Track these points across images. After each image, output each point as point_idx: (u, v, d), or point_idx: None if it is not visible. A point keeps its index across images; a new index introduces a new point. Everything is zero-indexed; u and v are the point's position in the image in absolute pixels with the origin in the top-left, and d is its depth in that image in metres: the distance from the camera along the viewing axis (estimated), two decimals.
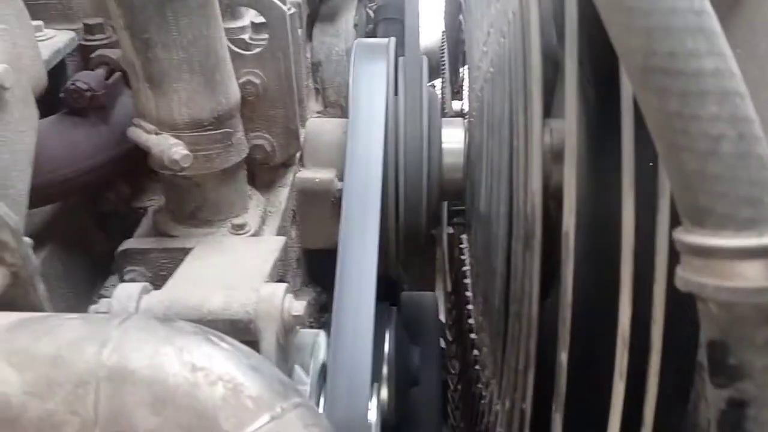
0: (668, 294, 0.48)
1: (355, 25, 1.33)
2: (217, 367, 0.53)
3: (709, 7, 0.37)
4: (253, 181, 1.06)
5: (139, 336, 0.55)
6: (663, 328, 0.48)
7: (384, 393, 1.04)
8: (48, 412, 0.52)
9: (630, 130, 0.48)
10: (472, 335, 0.92)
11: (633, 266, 0.47)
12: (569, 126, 0.49)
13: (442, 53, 1.82)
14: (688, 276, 0.39)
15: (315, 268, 1.25)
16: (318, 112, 1.27)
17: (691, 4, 0.37)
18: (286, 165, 1.11)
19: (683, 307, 0.45)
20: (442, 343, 1.46)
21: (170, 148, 0.83)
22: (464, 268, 1.09)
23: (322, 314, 1.30)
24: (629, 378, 0.51)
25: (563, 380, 0.51)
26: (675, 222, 0.42)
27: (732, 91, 0.37)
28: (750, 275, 0.37)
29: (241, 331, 0.74)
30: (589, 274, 0.56)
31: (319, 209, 1.14)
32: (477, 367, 0.88)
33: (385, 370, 1.07)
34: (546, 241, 0.60)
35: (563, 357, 0.51)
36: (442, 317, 1.55)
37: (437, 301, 1.50)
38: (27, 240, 0.62)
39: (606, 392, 0.51)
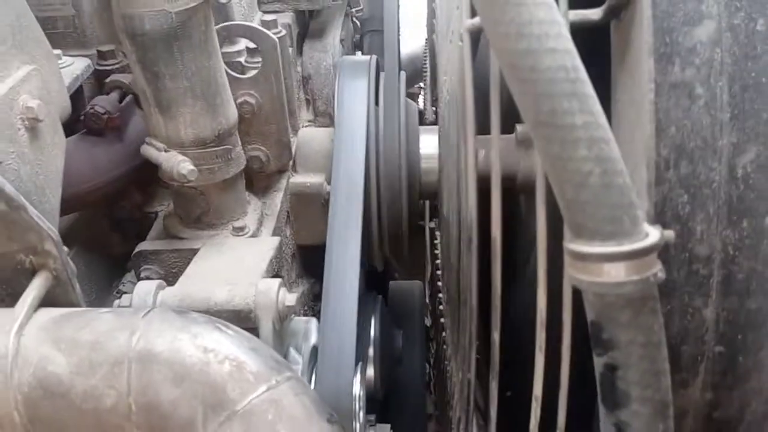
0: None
1: (342, 41, 1.46)
2: (224, 349, 0.67)
3: (583, 75, 0.50)
4: (250, 187, 1.19)
5: (160, 326, 0.68)
6: (572, 312, 0.62)
7: (370, 372, 1.18)
8: (91, 386, 0.65)
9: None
10: (442, 320, 1.06)
11: (546, 265, 0.61)
12: (494, 154, 0.62)
13: (426, 58, 1.94)
14: (572, 273, 0.53)
15: (308, 261, 1.39)
16: (309, 121, 1.40)
17: (567, 75, 0.49)
18: (280, 172, 1.24)
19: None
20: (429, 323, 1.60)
21: (178, 163, 0.97)
22: (437, 261, 1.23)
23: (315, 303, 1.43)
24: (550, 352, 0.65)
25: (497, 355, 0.64)
26: None
27: (598, 139, 0.50)
28: (613, 273, 0.50)
29: (242, 319, 0.87)
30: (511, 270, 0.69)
31: (311, 210, 1.27)
32: (445, 346, 1.01)
33: (371, 351, 1.21)
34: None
35: (495, 336, 0.64)
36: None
37: (422, 289, 1.64)
38: (65, 248, 0.75)
39: (532, 364, 0.65)
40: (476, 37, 0.68)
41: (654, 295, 0.51)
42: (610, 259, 0.50)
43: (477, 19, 0.65)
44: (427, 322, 1.60)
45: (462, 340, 0.74)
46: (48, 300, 0.73)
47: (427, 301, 1.61)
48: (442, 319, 1.06)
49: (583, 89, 0.50)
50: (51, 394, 0.66)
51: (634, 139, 0.60)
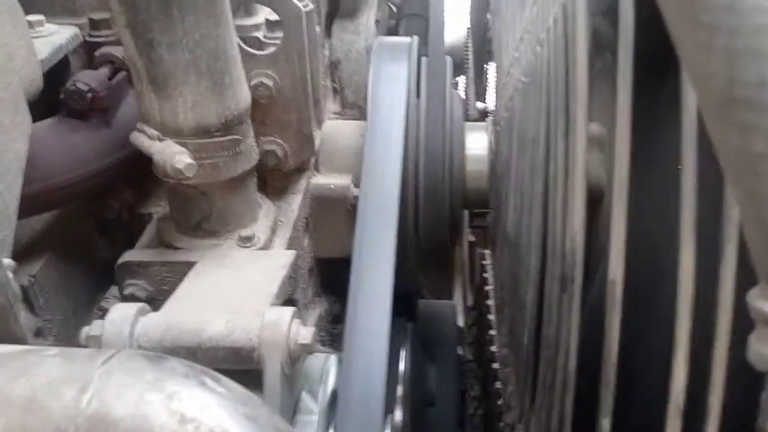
0: (729, 357, 0.41)
1: (377, 22, 1.27)
2: (209, 419, 0.48)
3: None
4: (264, 187, 1.00)
5: (123, 379, 0.49)
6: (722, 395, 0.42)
7: (398, 416, 0.98)
8: None
9: (692, 163, 0.41)
10: (495, 365, 0.86)
11: (691, 325, 0.41)
12: (620, 155, 0.42)
13: (467, 50, 1.74)
14: (764, 351, 0.32)
15: (329, 276, 1.20)
16: (336, 113, 1.21)
17: None
18: (300, 170, 1.05)
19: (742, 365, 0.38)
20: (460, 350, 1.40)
21: (173, 155, 0.78)
22: (487, 288, 1.02)
23: (335, 325, 1.24)
24: None
25: None
26: (743, 273, 0.36)
27: None
28: None
29: (243, 359, 0.68)
30: (630, 325, 0.49)
31: (334, 217, 1.08)
32: (500, 402, 0.81)
33: (399, 390, 1.01)
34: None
35: (605, 424, 0.44)
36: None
37: (456, 311, 1.44)
38: (8, 262, 0.56)
39: None
40: None
41: None
42: None
43: None
44: (460, 350, 1.40)
45: (542, 415, 0.54)
46: None
47: (465, 327, 1.41)
48: (494, 365, 0.85)
49: None
50: None
51: None
